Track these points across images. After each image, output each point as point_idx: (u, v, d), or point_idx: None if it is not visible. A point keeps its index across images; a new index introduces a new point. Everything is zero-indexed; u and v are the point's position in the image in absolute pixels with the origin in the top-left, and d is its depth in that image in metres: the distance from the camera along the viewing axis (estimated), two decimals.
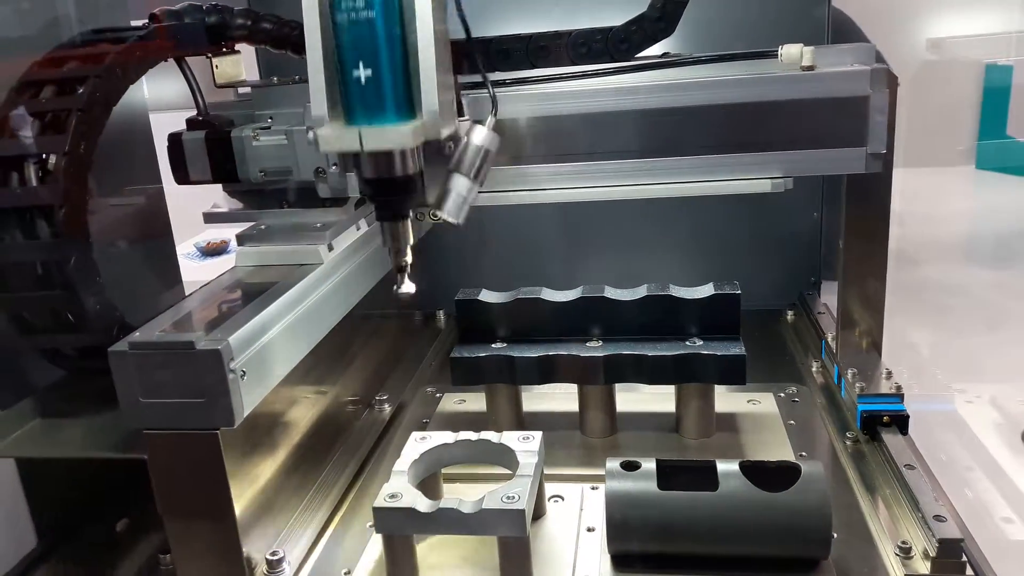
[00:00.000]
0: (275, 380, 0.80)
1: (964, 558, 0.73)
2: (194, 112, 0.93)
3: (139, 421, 0.73)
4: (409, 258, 0.77)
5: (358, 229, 1.01)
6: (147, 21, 0.90)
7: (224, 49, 0.94)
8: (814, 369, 1.15)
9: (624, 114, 0.82)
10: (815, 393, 1.08)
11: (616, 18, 0.82)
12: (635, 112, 0.82)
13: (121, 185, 1.09)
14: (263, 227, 0.95)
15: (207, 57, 0.93)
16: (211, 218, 0.97)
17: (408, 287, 0.78)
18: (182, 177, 0.90)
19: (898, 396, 0.92)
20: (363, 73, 0.67)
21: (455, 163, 0.74)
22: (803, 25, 1.31)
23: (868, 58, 0.81)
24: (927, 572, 0.73)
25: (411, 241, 0.76)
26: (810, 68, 0.79)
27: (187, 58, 0.92)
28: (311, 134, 0.69)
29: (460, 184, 0.74)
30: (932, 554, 0.73)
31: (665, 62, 0.82)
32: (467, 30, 0.76)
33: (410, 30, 0.68)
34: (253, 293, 0.82)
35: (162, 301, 1.09)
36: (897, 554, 0.76)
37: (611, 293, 1.01)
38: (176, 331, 0.74)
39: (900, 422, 0.91)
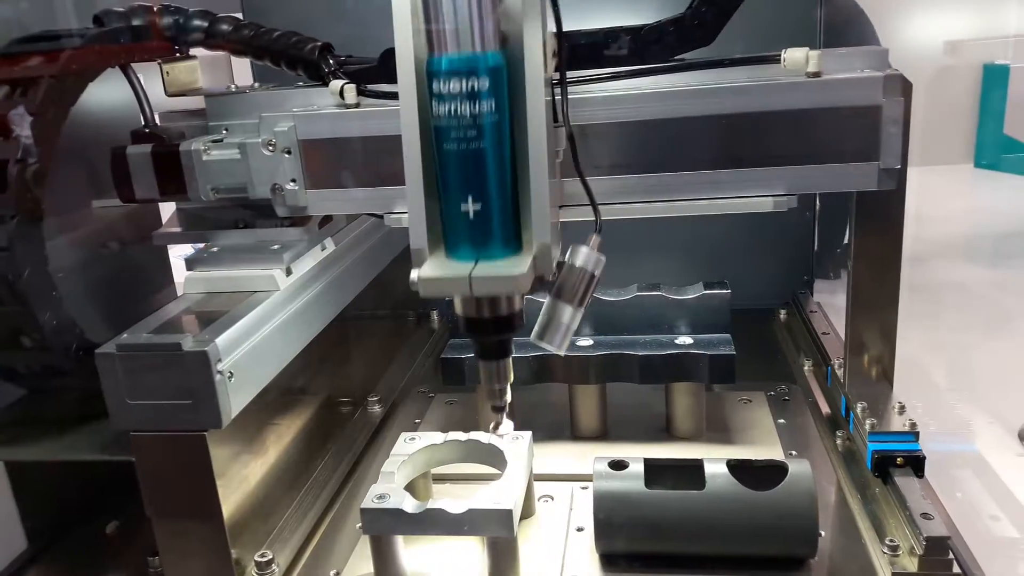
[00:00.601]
0: (263, 382, 0.80)
1: (951, 555, 0.73)
2: (201, 109, 0.89)
3: (126, 423, 0.73)
4: (509, 397, 0.73)
5: (323, 249, 0.95)
6: (91, 24, 0.84)
7: (177, 54, 0.88)
8: (806, 368, 1.15)
9: (611, 126, 0.76)
10: (806, 392, 1.08)
11: (612, 19, 0.80)
12: (622, 124, 0.75)
13: (111, 187, 1.09)
14: (215, 249, 0.88)
15: (158, 63, 0.87)
16: (160, 239, 0.91)
17: (507, 427, 0.75)
18: (127, 195, 0.84)
19: (913, 434, 0.83)
20: (472, 208, 0.62)
21: (557, 289, 0.67)
22: (795, 26, 1.31)
23: (880, 63, 0.75)
24: (915, 570, 0.73)
25: (511, 379, 0.72)
26: (816, 74, 0.72)
27: (135, 63, 0.86)
28: (413, 275, 0.62)
29: (564, 314, 0.66)
30: (919, 552, 0.73)
31: (655, 68, 0.76)
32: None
33: (521, 157, 0.63)
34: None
35: (154, 303, 1.09)
36: (885, 552, 0.76)
37: (602, 293, 1.01)
38: (163, 333, 0.74)
39: (915, 463, 0.82)
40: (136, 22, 0.86)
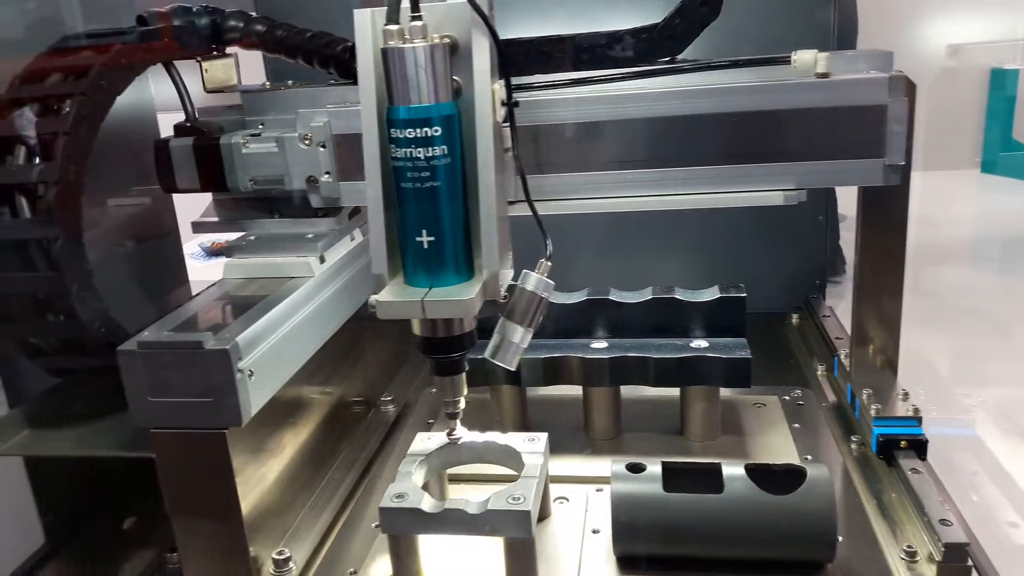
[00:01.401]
0: (282, 380, 0.81)
1: (970, 562, 0.73)
2: (233, 105, 0.91)
3: (147, 420, 0.73)
4: (463, 405, 0.79)
5: (352, 239, 0.99)
6: (134, 24, 0.87)
7: (215, 52, 0.91)
8: (819, 373, 1.15)
9: (628, 123, 0.79)
10: (820, 397, 1.08)
11: (622, 21, 0.81)
12: (640, 120, 0.79)
13: (128, 185, 1.09)
14: (252, 238, 0.92)
15: (196, 61, 0.90)
16: (199, 227, 0.94)
17: (461, 432, 0.82)
18: (169, 185, 0.88)
19: (916, 419, 0.88)
20: (426, 239, 0.69)
21: (509, 311, 0.73)
22: (808, 29, 1.31)
23: (885, 65, 0.78)
24: None
25: (464, 392, 0.78)
26: (825, 75, 0.75)
27: (176, 62, 0.89)
28: (371, 299, 0.70)
29: (515, 334, 0.73)
30: (938, 558, 0.73)
31: (671, 68, 0.79)
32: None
33: (471, 189, 0.70)
34: (243, 306, 0.81)
35: (170, 300, 1.10)
36: (903, 558, 0.76)
37: (617, 295, 1.01)
38: (184, 331, 0.74)
39: (918, 447, 0.87)
40: (176, 22, 0.88)
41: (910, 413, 0.88)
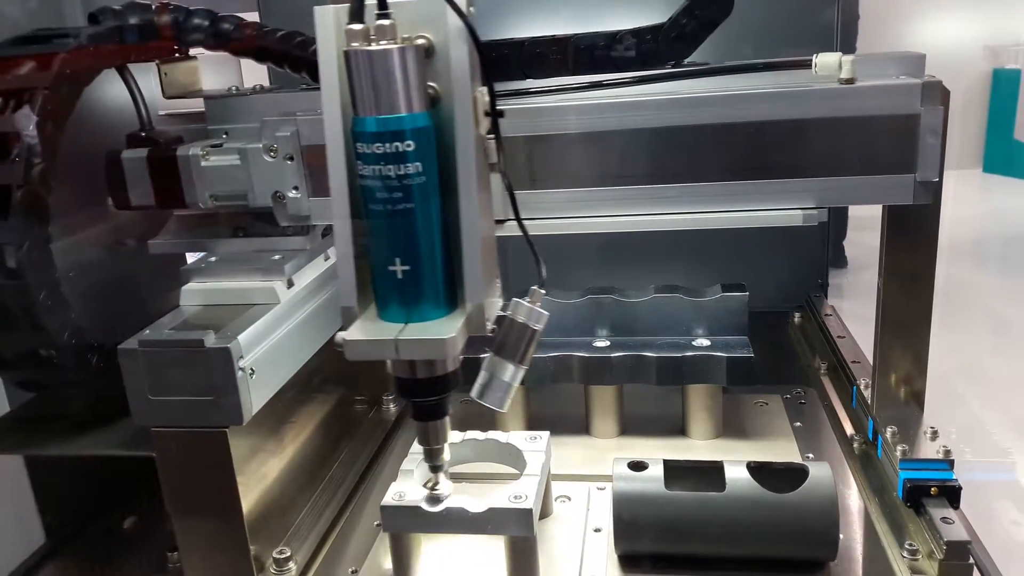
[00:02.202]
0: (283, 378, 0.81)
1: (971, 560, 0.72)
2: (201, 112, 0.85)
3: (148, 419, 0.73)
4: (447, 456, 0.71)
5: (327, 259, 0.90)
6: (85, 23, 0.80)
7: (176, 55, 0.84)
8: (821, 371, 1.15)
9: (632, 133, 0.72)
10: (822, 395, 1.08)
11: (624, 21, 0.78)
12: (645, 131, 0.71)
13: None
14: (213, 259, 0.83)
15: (156, 64, 0.83)
16: (157, 247, 0.87)
17: (446, 487, 0.72)
18: (122, 201, 0.80)
19: (947, 462, 0.78)
20: (400, 268, 0.60)
21: (498, 345, 0.64)
22: (809, 29, 1.31)
23: (916, 69, 0.71)
24: (934, 574, 0.73)
25: (448, 439, 0.70)
26: (850, 81, 0.68)
27: (131, 63, 0.82)
28: (338, 337, 0.60)
29: (505, 372, 0.64)
30: (939, 556, 0.72)
31: (679, 72, 0.73)
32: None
33: (451, 211, 0.60)
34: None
35: (170, 300, 1.09)
36: (904, 556, 0.75)
37: (619, 294, 1.01)
38: (186, 329, 0.74)
39: (950, 493, 0.77)
40: (133, 20, 0.81)
41: (940, 455, 0.79)
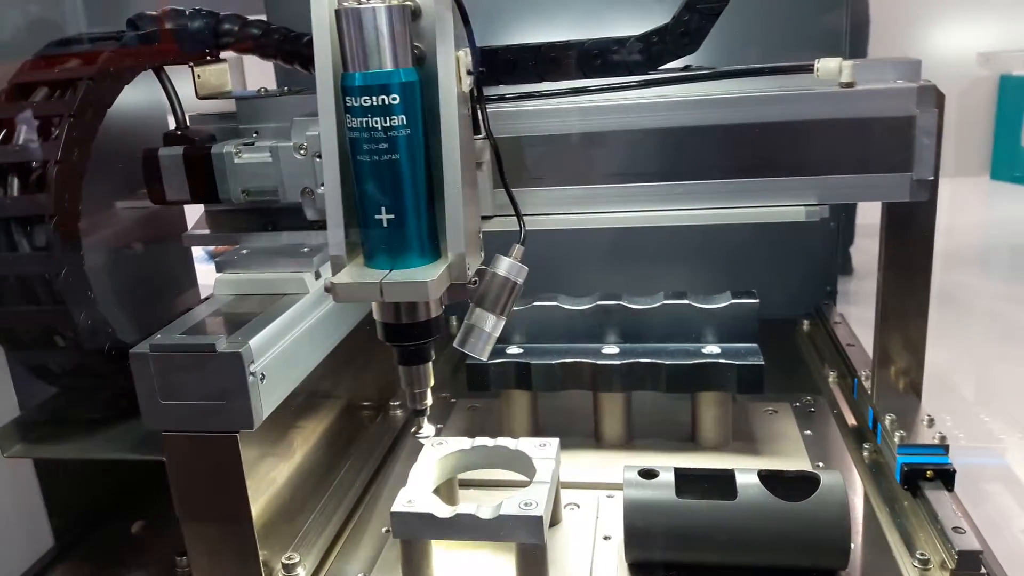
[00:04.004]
0: (294, 383, 0.81)
1: (983, 570, 0.72)
2: (229, 112, 0.89)
3: (158, 423, 0.73)
4: (429, 401, 0.74)
5: None
6: (124, 28, 0.84)
7: (208, 58, 0.88)
8: (831, 379, 1.14)
9: (641, 133, 0.77)
10: (832, 403, 1.08)
11: (631, 27, 0.78)
12: (653, 131, 0.76)
13: (137, 187, 1.09)
14: (244, 252, 0.87)
15: (189, 66, 0.87)
16: (190, 240, 0.91)
17: (428, 430, 0.76)
18: (158, 196, 0.84)
19: (942, 447, 0.83)
20: (385, 216, 0.64)
21: (479, 297, 0.69)
22: (819, 35, 1.31)
23: (913, 74, 0.75)
24: None
25: (431, 383, 0.73)
26: (849, 84, 0.72)
27: (168, 67, 0.86)
28: (327, 281, 0.65)
29: (487, 322, 0.69)
30: (951, 566, 0.72)
31: (686, 76, 0.76)
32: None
33: (435, 166, 0.65)
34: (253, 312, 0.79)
35: (178, 304, 1.10)
36: (916, 566, 0.75)
37: (628, 301, 1.01)
38: (197, 334, 0.74)
39: (945, 477, 0.82)
40: (168, 26, 0.86)
41: (936, 441, 0.83)
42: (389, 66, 0.62)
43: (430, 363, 0.73)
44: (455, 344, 0.70)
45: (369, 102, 0.62)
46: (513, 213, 0.73)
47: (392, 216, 0.64)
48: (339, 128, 0.65)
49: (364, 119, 0.62)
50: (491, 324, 0.69)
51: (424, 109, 0.64)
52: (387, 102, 0.62)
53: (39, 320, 0.77)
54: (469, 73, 0.66)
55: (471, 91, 0.68)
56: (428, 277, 0.64)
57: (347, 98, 0.63)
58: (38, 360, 0.82)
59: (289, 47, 0.86)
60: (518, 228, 0.72)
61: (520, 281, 0.69)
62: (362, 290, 0.64)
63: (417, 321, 0.69)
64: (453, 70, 0.64)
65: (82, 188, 0.76)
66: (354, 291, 0.65)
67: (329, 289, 0.65)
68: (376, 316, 0.69)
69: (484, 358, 0.71)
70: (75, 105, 0.74)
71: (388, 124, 0.62)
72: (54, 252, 0.74)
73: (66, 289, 0.74)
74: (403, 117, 0.63)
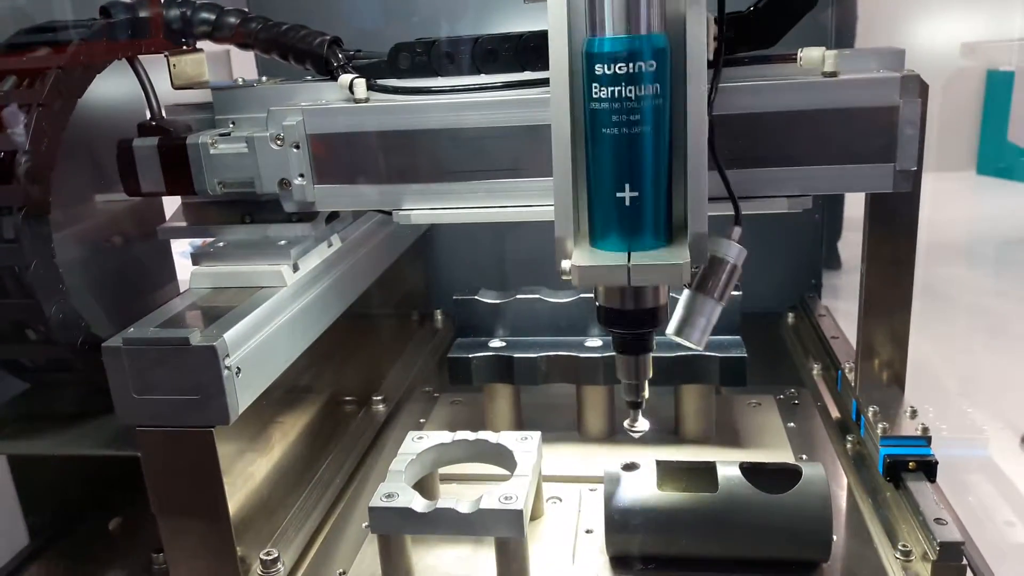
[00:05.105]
0: (271, 378, 0.80)
1: (965, 561, 0.72)
2: (206, 103, 0.88)
3: (133, 418, 0.72)
4: (646, 394, 0.71)
5: (330, 246, 0.94)
6: (96, 16, 0.83)
7: (184, 47, 0.87)
8: (815, 372, 1.14)
9: None
10: (815, 396, 1.07)
11: None
12: None
13: (113, 179, 1.08)
14: (221, 244, 0.86)
15: (164, 56, 0.86)
16: (166, 233, 0.90)
17: (642, 425, 0.73)
18: (132, 188, 0.83)
19: (925, 439, 0.82)
20: (628, 195, 0.60)
21: (700, 281, 0.65)
22: (804, 26, 1.30)
23: (896, 63, 0.74)
24: (928, 575, 0.72)
25: (650, 375, 0.71)
26: (832, 74, 0.71)
27: (142, 56, 0.85)
28: (565, 264, 0.61)
29: (709, 308, 0.66)
30: (933, 557, 0.72)
31: None
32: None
33: (678, 140, 0.61)
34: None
35: (157, 298, 1.08)
36: (898, 557, 0.75)
37: None
38: (171, 327, 0.73)
39: (927, 468, 0.81)
40: (142, 14, 0.84)
41: (919, 432, 0.83)
42: (643, 30, 0.58)
43: (650, 355, 0.70)
44: (668, 333, 0.67)
45: (625, 70, 0.58)
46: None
47: (636, 194, 0.60)
48: (572, 101, 0.61)
49: (614, 88, 0.58)
50: (711, 309, 0.66)
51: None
52: (643, 69, 0.58)
53: (8, 313, 0.76)
54: (715, 39, 0.62)
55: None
56: (680, 259, 0.60)
57: (597, 65, 0.58)
58: (9, 354, 0.80)
59: (267, 36, 0.86)
60: (733, 212, 0.68)
61: (740, 265, 0.67)
62: (609, 273, 0.61)
63: (644, 308, 0.65)
64: (703, 35, 0.60)
65: (51, 179, 0.74)
66: (599, 275, 0.61)
67: (566, 272, 0.61)
68: (598, 300, 0.66)
69: (701, 348, 0.67)
70: (43, 94, 0.73)
71: (640, 93, 0.58)
72: (23, 244, 0.72)
73: (36, 282, 0.73)
74: (656, 86, 0.59)
